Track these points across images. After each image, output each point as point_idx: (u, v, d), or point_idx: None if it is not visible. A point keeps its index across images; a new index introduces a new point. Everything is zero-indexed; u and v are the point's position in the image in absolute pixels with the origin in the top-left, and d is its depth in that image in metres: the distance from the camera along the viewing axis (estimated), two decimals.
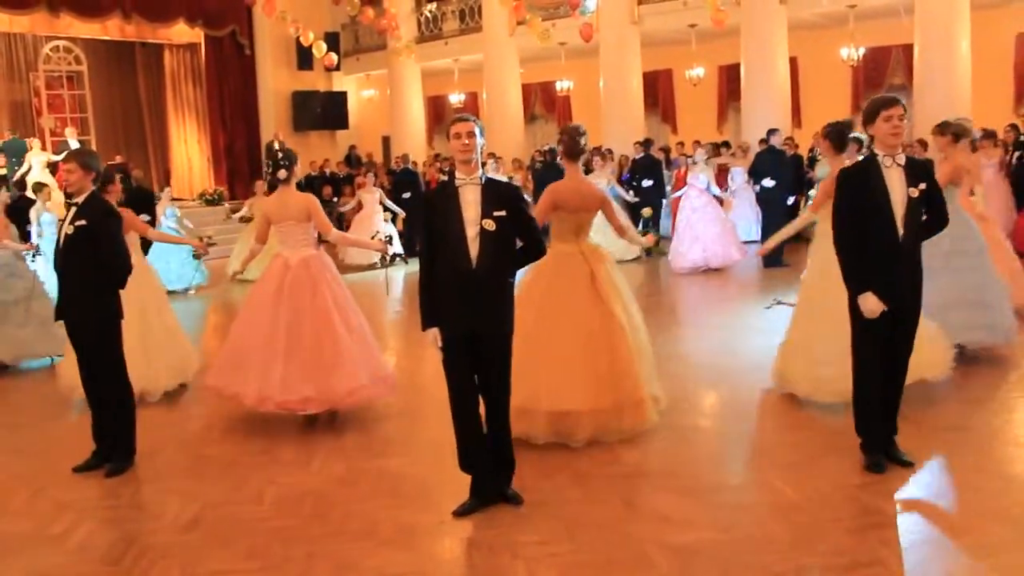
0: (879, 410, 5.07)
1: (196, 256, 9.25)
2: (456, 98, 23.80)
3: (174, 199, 17.51)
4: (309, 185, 17.83)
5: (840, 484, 4.94)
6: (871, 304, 4.85)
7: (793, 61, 17.99)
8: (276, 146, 21.15)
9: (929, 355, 6.12)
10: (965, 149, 7.63)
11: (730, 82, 20.57)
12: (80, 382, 5.96)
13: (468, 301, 4.60)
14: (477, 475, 4.81)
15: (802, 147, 16.42)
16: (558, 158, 5.91)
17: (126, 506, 5.21)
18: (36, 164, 17.81)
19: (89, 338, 5.67)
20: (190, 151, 23.47)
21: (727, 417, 6.41)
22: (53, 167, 17.28)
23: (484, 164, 4.82)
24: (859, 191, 4.93)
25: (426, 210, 4.85)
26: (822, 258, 6.14)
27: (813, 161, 12.28)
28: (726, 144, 17.63)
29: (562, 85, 22.24)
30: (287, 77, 23.63)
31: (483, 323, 4.63)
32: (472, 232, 4.60)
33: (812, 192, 10.54)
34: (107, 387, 5.71)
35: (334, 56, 20.92)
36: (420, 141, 23.71)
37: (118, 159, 20.04)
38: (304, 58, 22.98)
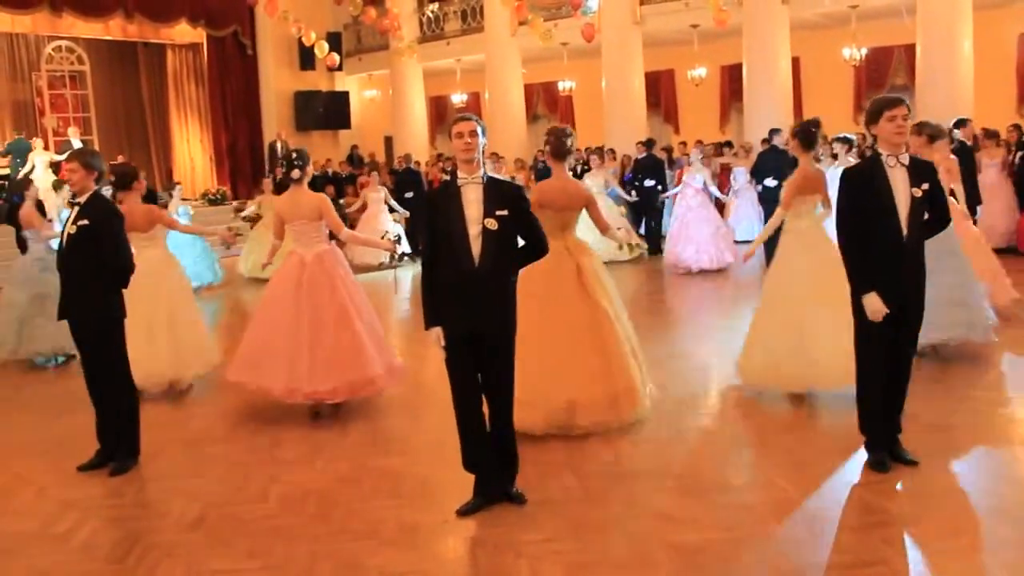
0: (882, 409, 5.07)
1: (226, 245, 9.49)
2: (458, 98, 23.80)
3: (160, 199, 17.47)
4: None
5: (843, 483, 4.95)
6: (875, 304, 4.85)
7: (795, 61, 17.99)
8: (280, 146, 21.29)
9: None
10: (942, 149, 7.68)
11: (732, 82, 20.56)
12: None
13: (470, 300, 4.60)
14: (481, 474, 4.82)
15: None
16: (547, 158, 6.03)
17: (130, 505, 5.21)
18: (39, 164, 17.83)
19: (91, 337, 5.68)
20: (193, 151, 23.50)
21: (729, 417, 6.41)
22: (56, 167, 17.29)
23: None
24: (863, 191, 4.93)
25: (428, 209, 4.86)
26: (786, 255, 6.47)
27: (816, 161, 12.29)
28: (728, 144, 17.63)
29: (564, 85, 22.25)
30: (289, 77, 23.66)
31: (485, 322, 4.64)
32: (474, 231, 4.60)
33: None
34: (110, 386, 5.72)
35: (336, 56, 20.94)
36: (422, 141, 23.72)
37: (120, 159, 20.07)
38: (306, 58, 23.01)
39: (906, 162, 4.93)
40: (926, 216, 5.00)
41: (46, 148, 18.93)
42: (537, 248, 4.92)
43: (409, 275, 14.31)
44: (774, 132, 14.26)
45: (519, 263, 4.87)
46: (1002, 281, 8.27)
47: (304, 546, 4.48)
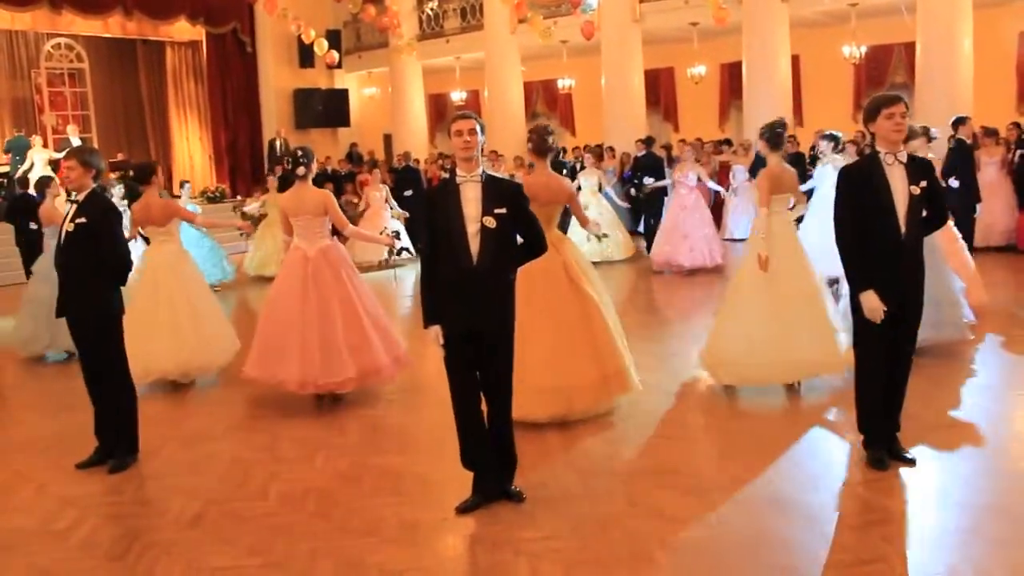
0: (881, 407, 5.07)
1: (245, 235, 9.69)
2: (458, 96, 23.80)
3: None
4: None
5: (842, 481, 4.95)
6: (872, 303, 4.85)
7: (795, 59, 17.99)
8: (280, 144, 21.28)
9: (824, 353, 6.41)
10: (920, 148, 7.74)
11: (732, 80, 20.56)
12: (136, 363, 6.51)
13: (469, 298, 4.60)
14: (479, 472, 4.82)
15: (803, 146, 16.41)
16: (545, 155, 6.21)
17: (130, 502, 5.22)
18: (38, 161, 17.83)
19: (90, 335, 5.68)
20: (192, 148, 23.49)
21: (728, 415, 6.41)
22: (55, 164, 17.29)
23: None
24: (861, 189, 4.93)
25: (427, 208, 4.86)
26: (756, 250, 6.54)
27: (815, 160, 12.28)
28: (727, 142, 17.62)
29: (564, 83, 22.24)
30: (289, 75, 23.64)
31: (484, 320, 4.64)
32: (473, 229, 4.60)
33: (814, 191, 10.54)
34: (109, 383, 5.72)
35: (335, 54, 20.91)
36: (422, 139, 23.71)
37: (120, 156, 20.10)
38: (306, 56, 22.99)
39: (904, 160, 4.93)
40: (924, 214, 5.01)
41: (45, 146, 18.92)
42: (536, 246, 4.93)
43: (410, 272, 14.31)
44: None
45: (518, 261, 4.88)
46: (976, 281, 8.39)
47: (304, 543, 4.48)
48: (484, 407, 4.78)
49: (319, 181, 18.50)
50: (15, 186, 16.23)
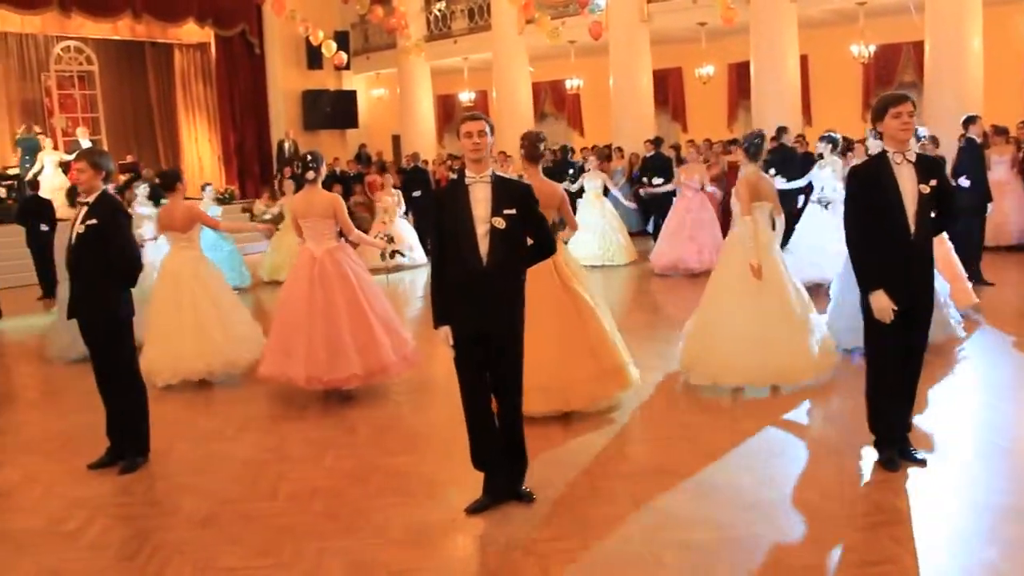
0: (892, 408, 5.05)
1: (267, 236, 10.31)
2: (466, 96, 23.82)
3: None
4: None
5: (852, 481, 4.94)
6: (882, 303, 4.83)
7: (803, 59, 17.93)
8: (288, 145, 21.34)
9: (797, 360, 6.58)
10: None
11: (740, 80, 20.54)
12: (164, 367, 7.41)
13: (479, 300, 4.60)
14: (489, 473, 4.82)
15: (812, 146, 16.36)
16: (543, 160, 6.42)
17: (140, 503, 5.23)
18: (48, 163, 17.91)
19: (100, 337, 5.69)
20: (200, 150, 23.56)
21: (737, 415, 6.40)
22: (65, 166, 17.37)
23: None
24: (870, 189, 4.91)
25: (436, 209, 4.86)
26: (734, 257, 6.80)
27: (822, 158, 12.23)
28: (735, 142, 17.57)
29: (572, 83, 22.23)
30: (297, 76, 23.70)
31: (493, 322, 4.64)
32: (482, 230, 4.60)
33: (819, 192, 10.48)
34: (120, 384, 5.74)
35: (344, 55, 20.95)
36: (430, 140, 23.73)
37: (129, 158, 20.18)
38: (314, 57, 23.03)
39: (913, 159, 4.92)
40: (934, 213, 4.99)
41: (55, 148, 19.00)
42: (544, 247, 4.93)
43: (408, 275, 14.33)
44: (782, 130, 14.20)
45: (527, 262, 4.88)
46: (963, 284, 8.43)
47: (313, 544, 4.49)
48: (494, 408, 4.79)
49: (328, 182, 18.62)
50: (26, 188, 16.29)
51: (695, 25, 18.78)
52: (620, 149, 18.16)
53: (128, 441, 5.77)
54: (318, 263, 6.98)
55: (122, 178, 16.05)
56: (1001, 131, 13.07)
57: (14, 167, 18.78)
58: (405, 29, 20.74)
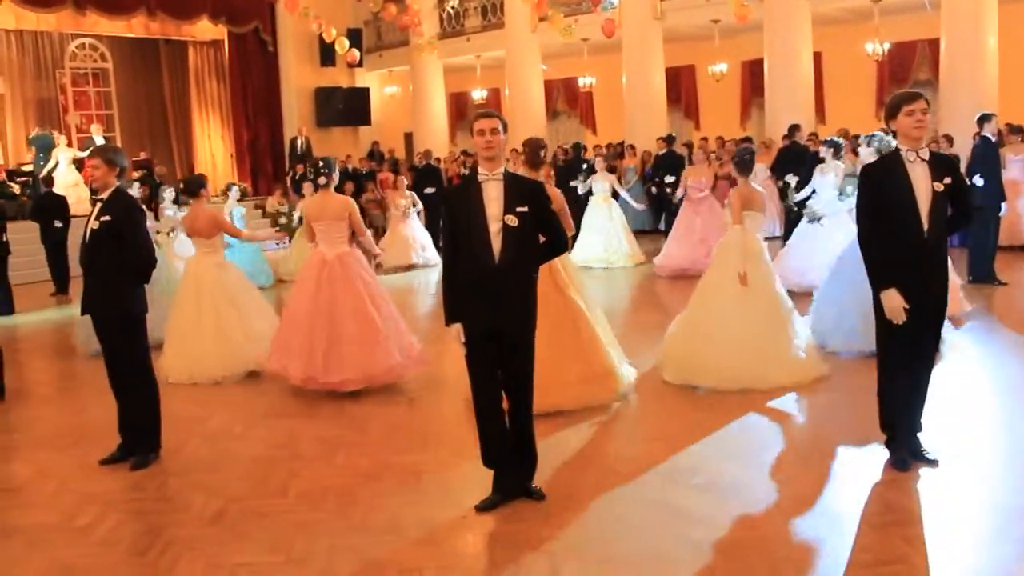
0: (904, 407, 5.03)
1: (277, 242, 10.19)
2: (478, 94, 23.82)
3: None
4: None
5: (864, 481, 4.91)
6: (894, 301, 4.80)
7: (817, 56, 17.87)
8: (300, 143, 21.39)
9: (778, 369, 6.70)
10: (869, 158, 7.78)
11: (753, 78, 20.48)
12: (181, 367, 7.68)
13: (491, 297, 4.60)
14: (500, 470, 4.82)
15: None
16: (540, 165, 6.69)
17: (151, 499, 5.25)
18: (63, 160, 17.99)
19: (114, 333, 5.72)
20: (214, 147, 23.64)
21: (750, 416, 6.38)
22: (80, 164, 17.45)
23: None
24: (883, 187, 4.89)
25: (448, 206, 4.86)
26: (724, 262, 6.94)
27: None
28: (748, 140, 17.52)
29: (584, 81, 22.20)
30: (310, 73, 23.74)
31: (506, 319, 4.64)
32: (495, 228, 4.60)
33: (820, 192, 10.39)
34: (132, 381, 5.76)
35: (356, 52, 20.98)
36: (442, 137, 23.74)
37: (143, 155, 20.25)
38: (327, 54, 23.07)
39: (926, 157, 4.88)
40: (949, 212, 4.96)
41: (69, 145, 19.09)
42: (556, 245, 4.93)
43: (421, 273, 14.34)
44: (794, 128, 14.16)
45: (539, 260, 4.87)
46: (955, 292, 8.35)
47: (324, 541, 4.50)
48: (505, 405, 4.79)
49: (340, 180, 18.63)
50: (40, 185, 16.37)
51: (708, 22, 18.73)
52: (632, 147, 18.14)
53: (140, 437, 5.79)
54: (328, 266, 7.16)
55: (136, 174, 16.09)
56: (1016, 130, 12.98)
57: (28, 164, 18.87)
58: (418, 27, 20.76)
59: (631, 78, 19.08)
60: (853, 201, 7.56)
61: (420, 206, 15.32)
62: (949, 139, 13.76)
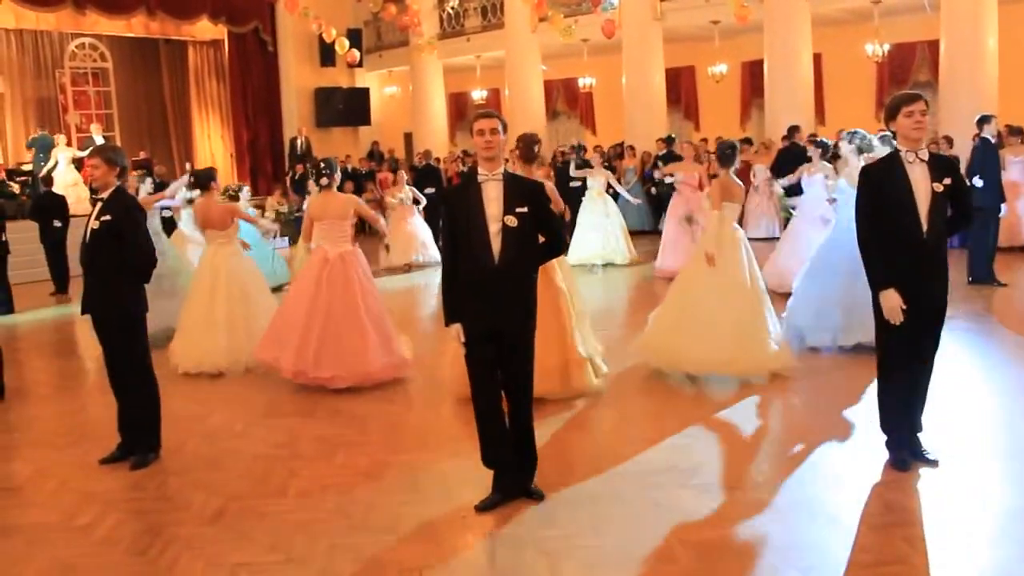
0: (904, 408, 5.03)
1: (266, 235, 11.01)
2: (478, 94, 23.83)
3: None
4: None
5: (864, 482, 4.91)
6: (892, 302, 4.81)
7: (817, 57, 17.88)
8: (300, 143, 21.38)
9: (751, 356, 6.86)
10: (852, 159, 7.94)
11: (753, 79, 20.50)
12: (192, 356, 7.88)
13: (491, 297, 4.61)
14: (500, 470, 4.82)
15: None
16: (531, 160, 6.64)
17: (151, 498, 5.25)
18: (62, 160, 17.99)
19: (114, 332, 5.71)
20: (213, 147, 23.64)
21: (750, 415, 6.39)
22: (79, 163, 17.44)
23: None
24: (882, 188, 4.89)
25: (448, 206, 4.86)
26: (701, 252, 7.11)
27: (835, 157, 12.15)
28: (748, 140, 17.53)
29: (584, 82, 22.21)
30: (310, 73, 23.74)
31: (506, 319, 4.64)
32: (495, 228, 4.61)
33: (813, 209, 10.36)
34: (132, 380, 5.76)
35: (356, 53, 20.97)
36: (442, 137, 23.75)
37: (143, 155, 20.24)
38: (327, 55, 23.07)
39: (926, 158, 4.89)
40: (949, 213, 4.97)
41: (69, 144, 19.09)
42: (556, 245, 4.94)
43: (421, 273, 14.33)
44: (793, 129, 14.16)
45: (539, 260, 4.87)
46: None
47: (324, 540, 4.50)
48: (505, 406, 4.79)
49: (341, 180, 18.64)
50: (39, 184, 16.37)
51: (708, 23, 18.74)
52: (632, 147, 18.14)
53: (140, 437, 5.79)
54: (329, 265, 7.32)
55: (135, 174, 16.05)
56: (1016, 131, 12.97)
57: (28, 163, 18.87)
58: (418, 27, 20.76)
59: (631, 79, 19.09)
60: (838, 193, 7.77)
61: (424, 202, 15.23)
62: (949, 140, 13.78)
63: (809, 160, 10.16)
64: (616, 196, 14.28)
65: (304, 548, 4.43)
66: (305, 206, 14.96)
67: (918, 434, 5.13)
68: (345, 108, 24.13)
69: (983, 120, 10.66)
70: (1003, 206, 10.72)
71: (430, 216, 15.48)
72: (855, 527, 4.38)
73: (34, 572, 4.36)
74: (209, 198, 8.39)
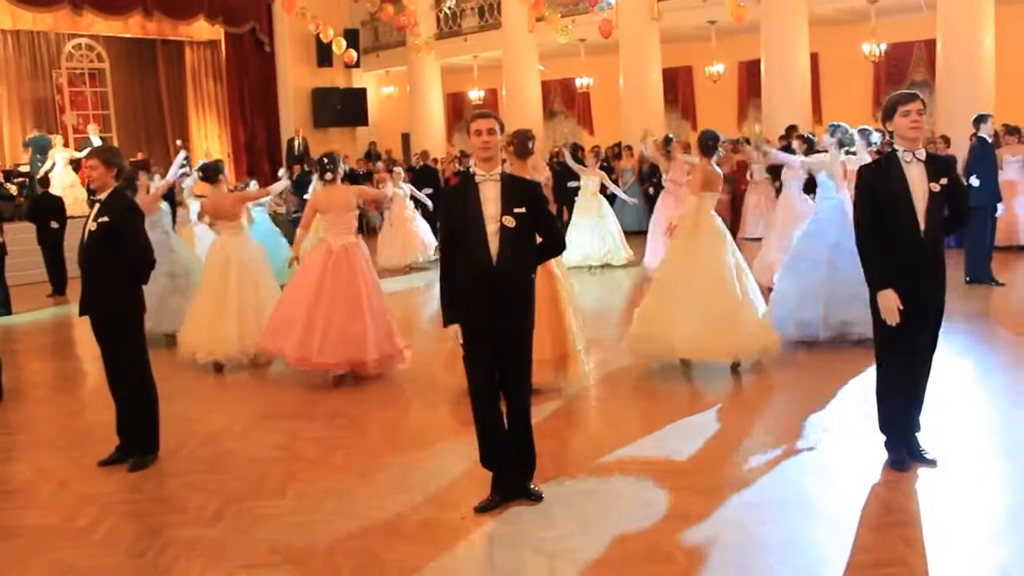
0: (903, 408, 5.04)
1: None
2: (475, 95, 23.80)
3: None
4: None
5: (862, 482, 4.92)
6: (889, 301, 4.81)
7: (814, 57, 17.88)
8: (297, 143, 21.38)
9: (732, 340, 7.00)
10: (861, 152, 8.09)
11: (750, 78, 20.49)
12: (203, 343, 7.99)
13: (489, 298, 4.61)
14: (498, 471, 4.82)
15: (821, 144, 16.30)
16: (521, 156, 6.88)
17: (150, 500, 5.25)
18: (60, 161, 17.96)
19: (112, 334, 5.71)
20: (211, 147, 23.59)
21: (745, 413, 6.39)
22: (76, 164, 17.42)
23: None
24: (879, 188, 4.90)
25: (446, 207, 4.87)
26: (685, 240, 7.23)
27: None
28: (746, 140, 17.52)
29: (582, 81, 22.20)
30: (307, 74, 23.73)
31: (504, 320, 4.64)
32: (492, 228, 4.61)
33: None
34: (131, 382, 5.75)
35: (354, 53, 20.96)
36: (440, 138, 23.71)
37: (140, 155, 20.22)
38: (324, 55, 23.06)
39: (923, 157, 4.90)
40: (946, 212, 4.97)
41: (66, 145, 19.06)
42: (554, 245, 4.94)
43: (420, 274, 14.33)
44: (791, 129, 14.16)
45: (537, 260, 4.88)
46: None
47: (323, 542, 4.50)
48: (503, 406, 4.79)
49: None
50: (37, 185, 16.35)
51: (705, 23, 18.73)
52: (630, 148, 18.12)
53: (138, 439, 5.78)
54: (334, 255, 7.48)
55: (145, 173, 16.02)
56: (1013, 130, 13.01)
57: (25, 164, 18.84)
58: (415, 27, 20.75)
59: (628, 78, 19.08)
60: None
61: (430, 204, 15.07)
62: (946, 140, 13.78)
63: (793, 152, 10.34)
64: (613, 198, 14.25)
65: (303, 550, 4.43)
66: (307, 196, 14.99)
67: (916, 434, 5.14)
68: (342, 108, 24.13)
69: (979, 119, 10.67)
70: (999, 205, 10.74)
71: (429, 217, 15.44)
72: (853, 527, 4.39)
73: (33, 573, 4.36)
74: (218, 190, 8.56)
